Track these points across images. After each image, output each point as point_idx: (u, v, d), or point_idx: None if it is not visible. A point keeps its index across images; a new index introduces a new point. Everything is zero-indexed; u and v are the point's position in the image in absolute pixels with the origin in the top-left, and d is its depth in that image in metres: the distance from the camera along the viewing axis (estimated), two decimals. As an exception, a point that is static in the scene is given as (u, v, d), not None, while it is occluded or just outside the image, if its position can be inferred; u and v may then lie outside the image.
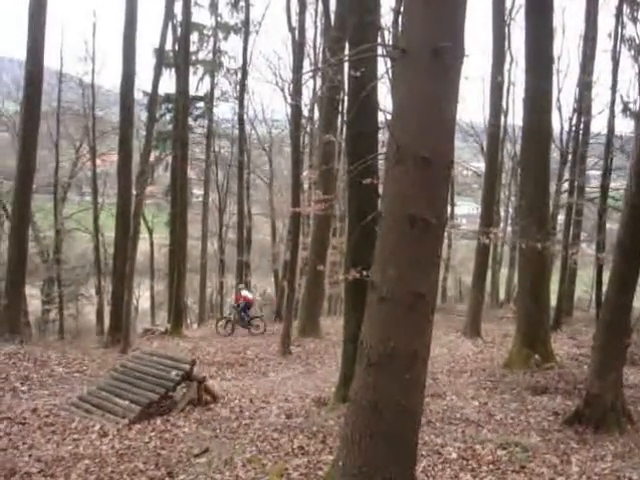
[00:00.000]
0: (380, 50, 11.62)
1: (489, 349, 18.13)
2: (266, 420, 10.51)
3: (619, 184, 28.63)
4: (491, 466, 7.90)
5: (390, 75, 22.83)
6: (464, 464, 7.97)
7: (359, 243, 10.21)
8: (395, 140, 5.69)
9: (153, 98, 23.18)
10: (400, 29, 22.51)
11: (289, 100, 31.73)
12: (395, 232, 5.72)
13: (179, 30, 29.48)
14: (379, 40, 12.37)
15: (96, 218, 35.78)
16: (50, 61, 51.41)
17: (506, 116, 32.33)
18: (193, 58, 34.72)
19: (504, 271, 39.97)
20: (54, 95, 34.92)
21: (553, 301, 20.04)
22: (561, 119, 31.52)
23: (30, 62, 20.30)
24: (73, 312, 40.22)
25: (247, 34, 33.61)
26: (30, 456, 9.23)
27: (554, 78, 19.67)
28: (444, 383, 13.23)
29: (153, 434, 10.12)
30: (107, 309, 29.38)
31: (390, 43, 17.50)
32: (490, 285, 35.01)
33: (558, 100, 30.04)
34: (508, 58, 29.53)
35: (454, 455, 8.24)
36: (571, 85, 42.21)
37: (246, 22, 33.81)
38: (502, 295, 39.29)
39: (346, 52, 13.15)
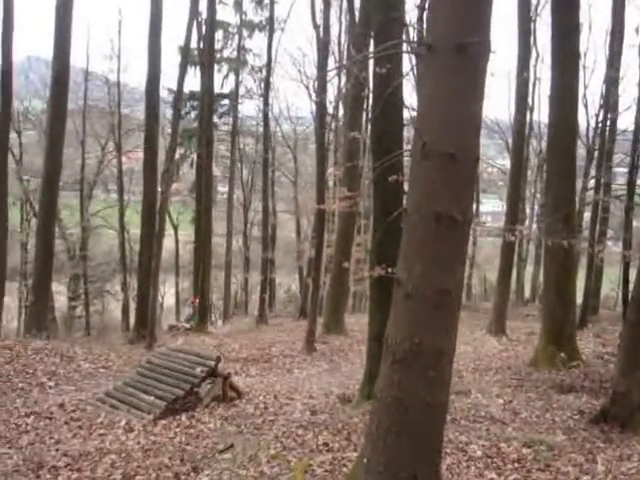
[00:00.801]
0: (405, 47, 11.56)
1: (514, 347, 18.04)
2: (291, 417, 10.52)
3: (646, 181, 28.36)
4: (516, 464, 7.86)
5: (415, 72, 22.88)
6: (489, 462, 7.94)
7: (384, 240, 10.20)
8: (421, 137, 5.67)
9: (178, 96, 23.32)
10: (425, 26, 22.48)
11: (314, 97, 31.73)
12: (421, 229, 5.70)
13: (204, 28, 29.52)
14: (404, 37, 12.27)
15: (122, 215, 36.04)
16: (76, 60, 51.72)
17: (532, 112, 32.13)
18: (218, 56, 34.83)
19: (529, 269, 39.76)
20: (80, 93, 35.22)
21: (579, 299, 19.88)
22: (587, 115, 31.38)
23: (57, 61, 20.46)
24: (99, 308, 40.57)
25: (272, 32, 33.59)
26: (57, 450, 9.32)
27: (580, 74, 19.49)
28: (469, 381, 13.18)
29: (178, 430, 10.17)
30: (132, 306, 29.60)
31: (415, 40, 17.42)
32: (515, 283, 34.83)
33: (584, 96, 29.92)
34: (534, 54, 29.31)
35: (479, 453, 8.22)
36: (598, 81, 41.84)
37: (271, 20, 33.79)
38: (527, 293, 39.11)
39: (371, 49, 13.13)
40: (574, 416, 10.28)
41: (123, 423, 10.61)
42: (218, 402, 11.50)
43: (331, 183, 27.16)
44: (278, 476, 7.65)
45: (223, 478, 7.76)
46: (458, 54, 5.45)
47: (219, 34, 35.19)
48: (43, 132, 33.52)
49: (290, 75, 52.46)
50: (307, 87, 37.78)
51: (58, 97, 20.88)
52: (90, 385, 13.80)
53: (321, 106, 23.37)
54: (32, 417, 11.04)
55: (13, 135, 31.76)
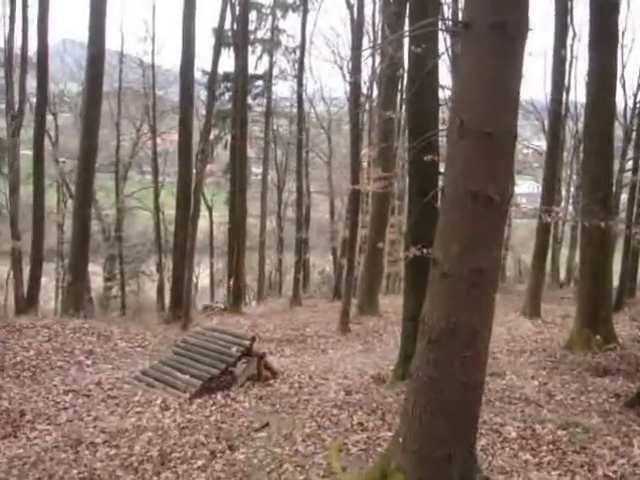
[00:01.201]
0: (441, 25, 11.47)
1: (549, 329, 17.92)
2: (325, 396, 10.56)
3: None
4: (551, 446, 7.83)
5: (450, 52, 22.72)
6: (524, 443, 7.92)
7: (419, 220, 10.17)
8: (458, 115, 5.64)
9: (213, 77, 23.31)
10: (460, 4, 22.33)
11: (348, 78, 31.67)
12: (458, 209, 5.68)
13: (237, 9, 29.51)
14: (439, 15, 12.18)
15: (157, 196, 36.26)
16: (111, 42, 52.09)
17: (568, 93, 31.66)
18: (252, 37, 34.85)
19: (564, 251, 39.39)
20: (115, 75, 35.43)
21: (615, 281, 19.70)
22: (625, 95, 30.89)
23: (92, 43, 20.59)
24: (134, 289, 40.95)
25: (305, 12, 33.48)
26: (95, 427, 9.47)
27: (618, 53, 19.22)
28: (503, 362, 13.13)
29: (214, 408, 10.26)
30: (167, 286, 29.84)
31: (450, 18, 17.31)
32: (550, 265, 34.57)
33: (622, 76, 29.41)
34: (571, 33, 28.90)
35: (513, 434, 8.20)
36: (636, 60, 41.05)
37: (304, 0, 33.69)
38: (562, 275, 38.79)
39: (406, 28, 13.04)
40: (610, 399, 10.20)
41: (159, 401, 10.73)
42: (253, 381, 11.58)
43: (365, 164, 27.08)
44: (313, 455, 7.70)
45: (258, 456, 7.82)
46: (496, 32, 5.40)
47: (253, 15, 35.22)
48: (79, 114, 33.89)
49: (324, 56, 52.14)
50: (341, 68, 37.61)
51: (94, 79, 21.05)
52: (127, 364, 13.98)
53: (355, 86, 23.29)
54: (70, 395, 11.21)
55: (49, 117, 32.01)
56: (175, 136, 27.31)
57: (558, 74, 21.68)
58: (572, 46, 31.15)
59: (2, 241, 28.38)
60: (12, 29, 26.98)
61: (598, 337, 14.16)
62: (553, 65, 21.49)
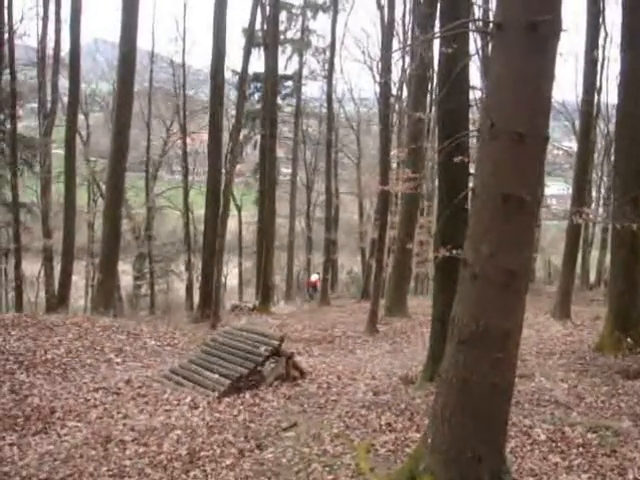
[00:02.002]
0: (472, 26, 11.43)
1: (579, 331, 17.76)
2: (353, 397, 10.56)
3: None
4: (581, 449, 7.77)
5: (481, 53, 22.61)
6: (553, 446, 7.87)
7: (449, 221, 10.16)
8: (489, 116, 5.62)
9: (243, 77, 23.40)
10: (492, 4, 22.22)
11: (378, 78, 31.63)
12: (488, 210, 5.66)
13: (268, 9, 29.64)
14: (471, 16, 12.15)
15: (186, 196, 36.48)
16: (142, 42, 52.48)
17: (599, 94, 31.36)
18: (282, 37, 34.91)
19: (595, 253, 39.06)
20: (146, 75, 35.66)
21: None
22: (658, 96, 30.44)
23: (124, 43, 20.77)
24: (163, 287, 41.16)
25: (336, 12, 33.56)
26: (124, 425, 9.54)
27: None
28: (533, 364, 13.05)
29: (242, 407, 10.29)
30: (196, 285, 29.98)
31: (481, 18, 17.24)
32: (580, 267, 34.27)
33: (655, 76, 28.96)
34: (602, 34, 28.59)
35: (543, 437, 8.15)
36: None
37: (334, 0, 33.72)
38: (592, 277, 38.46)
39: (436, 29, 13.01)
40: (640, 402, 10.11)
41: (188, 400, 10.78)
42: (281, 381, 11.60)
43: (394, 165, 27.08)
44: (341, 455, 7.70)
45: (287, 455, 7.83)
46: (529, 33, 5.37)
47: (283, 15, 35.30)
48: (110, 114, 34.11)
49: (354, 56, 52.22)
50: (371, 68, 37.67)
51: (125, 79, 21.23)
52: (156, 362, 14.05)
53: (385, 87, 23.27)
54: (100, 392, 11.29)
55: (81, 117, 32.33)
56: (205, 136, 27.47)
57: (589, 75, 21.50)
58: (604, 47, 30.82)
59: (33, 239, 28.65)
60: (45, 29, 27.31)
61: (629, 340, 14.03)
62: (584, 66, 21.33)
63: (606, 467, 7.25)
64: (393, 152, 26.44)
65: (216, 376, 11.53)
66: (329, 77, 33.24)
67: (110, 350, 14.58)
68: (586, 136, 22.57)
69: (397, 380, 11.82)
